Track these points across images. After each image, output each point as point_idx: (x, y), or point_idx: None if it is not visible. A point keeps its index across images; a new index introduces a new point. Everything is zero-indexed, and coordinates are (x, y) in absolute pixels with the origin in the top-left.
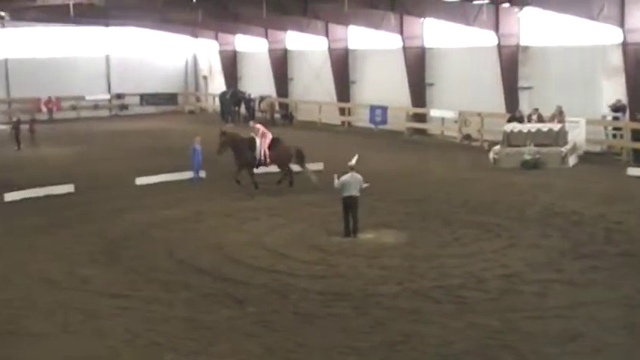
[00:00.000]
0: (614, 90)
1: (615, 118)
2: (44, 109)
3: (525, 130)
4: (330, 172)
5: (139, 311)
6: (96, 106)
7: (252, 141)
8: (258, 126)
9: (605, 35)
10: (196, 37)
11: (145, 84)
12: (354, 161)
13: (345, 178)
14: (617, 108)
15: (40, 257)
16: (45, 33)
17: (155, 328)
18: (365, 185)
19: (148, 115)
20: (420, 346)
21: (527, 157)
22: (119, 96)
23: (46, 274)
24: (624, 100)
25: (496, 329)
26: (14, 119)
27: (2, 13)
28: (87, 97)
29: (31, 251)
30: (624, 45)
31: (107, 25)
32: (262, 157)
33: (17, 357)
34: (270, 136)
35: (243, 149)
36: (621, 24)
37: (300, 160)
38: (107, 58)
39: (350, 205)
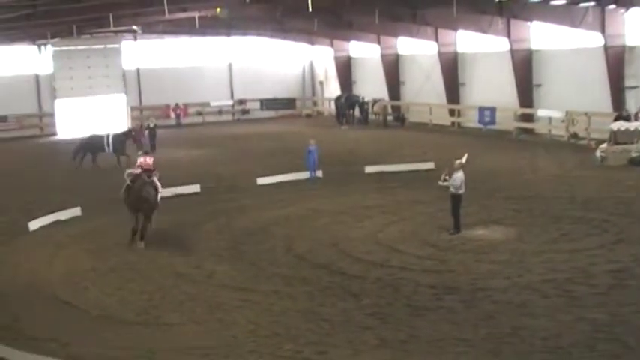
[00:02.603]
0: None
1: None
2: (172, 115)
3: (632, 129)
4: (440, 171)
5: (261, 303)
6: (220, 112)
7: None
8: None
9: None
10: (312, 44)
11: (265, 90)
12: (463, 160)
13: (456, 176)
14: None
15: (170, 252)
16: (173, 44)
17: (275, 319)
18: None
19: (267, 119)
20: (528, 339)
21: (635, 154)
22: (241, 101)
23: (176, 269)
24: None
25: (604, 322)
26: (151, 125)
27: (135, 27)
28: (211, 103)
29: (161, 247)
30: None
31: (229, 35)
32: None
33: (149, 345)
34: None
35: None
36: None
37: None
38: (230, 66)
39: (458, 201)
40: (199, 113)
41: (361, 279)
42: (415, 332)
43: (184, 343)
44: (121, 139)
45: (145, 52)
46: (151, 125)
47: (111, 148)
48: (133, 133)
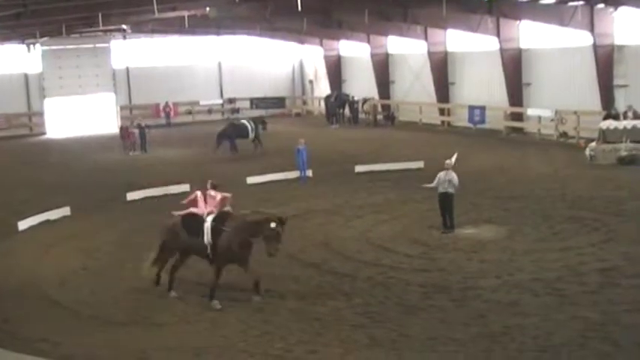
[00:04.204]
0: None
1: None
2: (162, 114)
3: (621, 127)
4: (430, 170)
5: (251, 303)
6: (209, 111)
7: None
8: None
9: None
10: (302, 43)
11: (255, 89)
12: (453, 160)
13: (440, 175)
14: None
15: None
16: (162, 43)
17: (266, 318)
18: (455, 181)
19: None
20: (519, 338)
21: (624, 153)
22: (231, 100)
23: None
24: None
25: (595, 322)
26: (142, 124)
27: (124, 26)
28: (201, 102)
29: (151, 247)
30: None
31: (219, 34)
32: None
33: (140, 345)
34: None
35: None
36: None
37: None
38: (219, 65)
39: (444, 201)
40: (189, 112)
41: (352, 278)
42: (406, 331)
43: (175, 342)
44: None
45: (134, 52)
46: (142, 125)
47: None
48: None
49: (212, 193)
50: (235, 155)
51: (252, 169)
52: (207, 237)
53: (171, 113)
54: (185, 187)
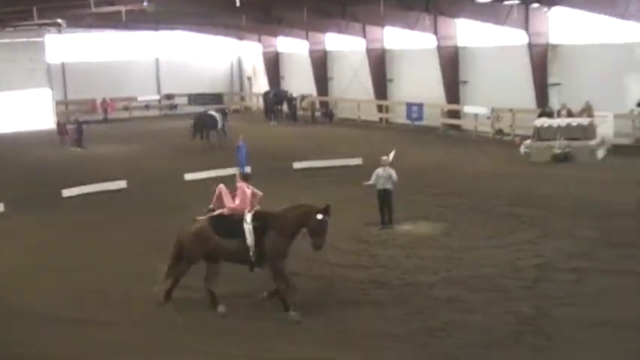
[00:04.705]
0: None
1: None
2: (100, 109)
3: (555, 125)
4: (369, 167)
5: (198, 302)
6: (147, 107)
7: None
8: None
9: (631, 33)
10: (241, 39)
11: (193, 85)
12: (390, 157)
13: (377, 172)
14: None
15: (102, 251)
16: (99, 38)
17: (213, 317)
18: (395, 177)
19: (195, 114)
20: (456, 333)
21: (558, 150)
22: (168, 96)
23: (115, 267)
24: None
25: (530, 316)
26: (79, 120)
27: (59, 21)
28: (138, 98)
29: (91, 245)
30: None
31: (157, 29)
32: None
33: (90, 344)
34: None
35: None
36: None
37: None
38: (157, 61)
39: (383, 197)
40: (126, 108)
41: (292, 274)
42: (346, 327)
43: (123, 341)
44: None
45: (70, 46)
46: (79, 120)
47: None
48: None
49: (244, 187)
50: (206, 144)
51: (190, 166)
52: (249, 239)
53: (109, 109)
54: (122, 184)
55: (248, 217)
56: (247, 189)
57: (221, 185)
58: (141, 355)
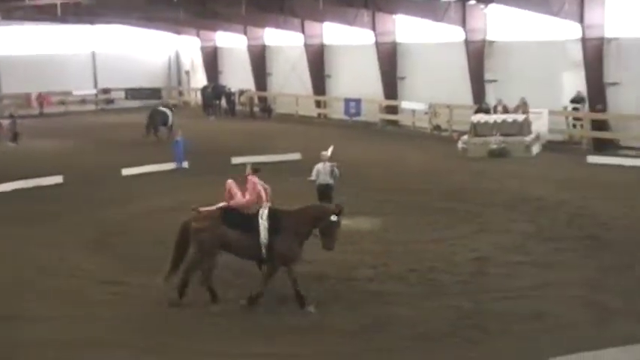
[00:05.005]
0: (574, 82)
1: (575, 109)
2: (35, 104)
3: (491, 121)
4: (307, 162)
5: (129, 297)
6: (83, 101)
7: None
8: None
9: (565, 30)
10: (179, 34)
11: (130, 79)
12: (329, 152)
13: (317, 167)
14: (577, 100)
15: (33, 246)
16: (34, 31)
17: (143, 312)
18: (336, 174)
19: (132, 108)
20: (394, 327)
21: (494, 146)
22: (105, 91)
23: (40, 262)
24: (584, 92)
25: (467, 310)
26: (14, 114)
27: None
28: (74, 92)
29: (23, 240)
30: (583, 40)
31: (93, 23)
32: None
33: (17, 340)
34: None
35: None
36: (580, 20)
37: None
38: (93, 55)
39: (324, 192)
40: (62, 102)
41: (230, 270)
42: (282, 322)
43: (49, 337)
44: None
45: (4, 40)
46: (14, 115)
47: None
48: None
49: (255, 180)
50: (154, 140)
51: (127, 161)
52: (263, 236)
53: (44, 103)
54: (58, 179)
55: (264, 213)
56: (257, 183)
57: (229, 180)
58: (70, 350)
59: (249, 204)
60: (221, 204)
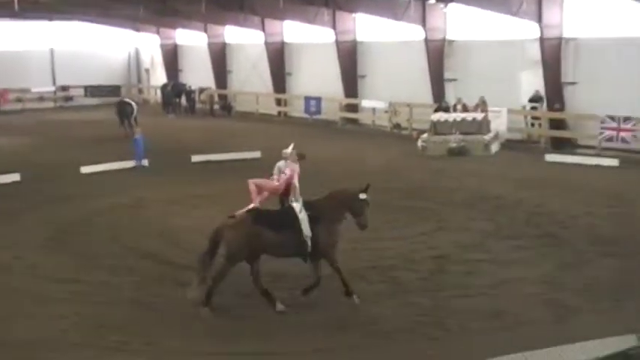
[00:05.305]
0: (533, 82)
1: (534, 108)
2: None
3: (451, 120)
4: (268, 160)
5: (87, 295)
6: (41, 98)
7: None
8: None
9: (524, 30)
10: (138, 31)
11: (89, 76)
12: (290, 149)
13: (279, 165)
14: (535, 99)
15: None
16: None
17: (102, 311)
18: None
19: (92, 106)
20: (354, 325)
21: (453, 144)
22: (64, 88)
23: None
24: (542, 91)
25: (426, 307)
26: None
27: None
28: (32, 90)
29: None
30: (542, 40)
31: (51, 19)
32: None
33: None
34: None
35: None
36: (539, 20)
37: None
38: (52, 52)
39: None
40: (19, 100)
41: (190, 269)
42: (246, 321)
43: (7, 337)
44: None
45: None
46: None
47: None
48: None
49: (295, 169)
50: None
51: (86, 159)
52: (305, 229)
53: (1, 100)
54: (15, 177)
55: (297, 206)
56: (296, 173)
57: (249, 181)
58: (30, 350)
59: (279, 189)
60: (250, 206)
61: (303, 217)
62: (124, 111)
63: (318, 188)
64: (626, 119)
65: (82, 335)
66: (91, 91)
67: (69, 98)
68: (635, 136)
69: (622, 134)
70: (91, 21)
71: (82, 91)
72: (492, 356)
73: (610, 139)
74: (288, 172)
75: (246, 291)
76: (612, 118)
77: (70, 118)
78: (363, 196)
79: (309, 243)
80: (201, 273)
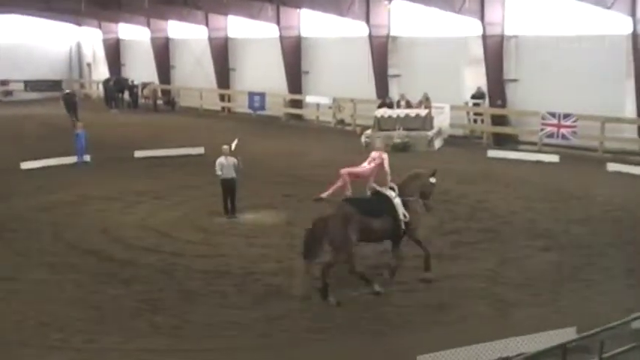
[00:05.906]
0: (475, 78)
1: (476, 105)
2: None
3: (395, 116)
4: (211, 156)
5: (27, 293)
6: None
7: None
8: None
9: (467, 28)
10: (80, 25)
11: (30, 71)
12: (233, 146)
13: (219, 161)
14: (477, 95)
15: None
16: None
17: (43, 309)
18: (241, 167)
19: (32, 101)
20: (297, 320)
21: (397, 140)
22: (3, 82)
23: None
24: (484, 88)
25: (370, 302)
26: None
27: None
28: None
29: None
30: (484, 37)
31: None
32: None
33: None
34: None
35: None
36: (481, 17)
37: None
38: None
39: (228, 186)
40: None
41: (132, 265)
42: (188, 317)
43: None
44: None
45: None
46: None
47: None
48: None
49: (385, 157)
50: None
51: (27, 154)
52: (401, 213)
53: None
54: None
55: (389, 192)
56: (386, 161)
57: (342, 171)
58: None
59: (372, 172)
60: (328, 192)
61: (397, 202)
62: (70, 102)
63: (260, 184)
64: (567, 116)
65: (23, 334)
66: (32, 85)
67: (8, 93)
68: (575, 132)
69: (562, 130)
70: (32, 14)
71: (22, 86)
72: (437, 350)
73: (551, 136)
74: (378, 159)
75: (184, 288)
76: (553, 114)
77: (10, 113)
78: (433, 180)
79: (404, 225)
80: (308, 267)
